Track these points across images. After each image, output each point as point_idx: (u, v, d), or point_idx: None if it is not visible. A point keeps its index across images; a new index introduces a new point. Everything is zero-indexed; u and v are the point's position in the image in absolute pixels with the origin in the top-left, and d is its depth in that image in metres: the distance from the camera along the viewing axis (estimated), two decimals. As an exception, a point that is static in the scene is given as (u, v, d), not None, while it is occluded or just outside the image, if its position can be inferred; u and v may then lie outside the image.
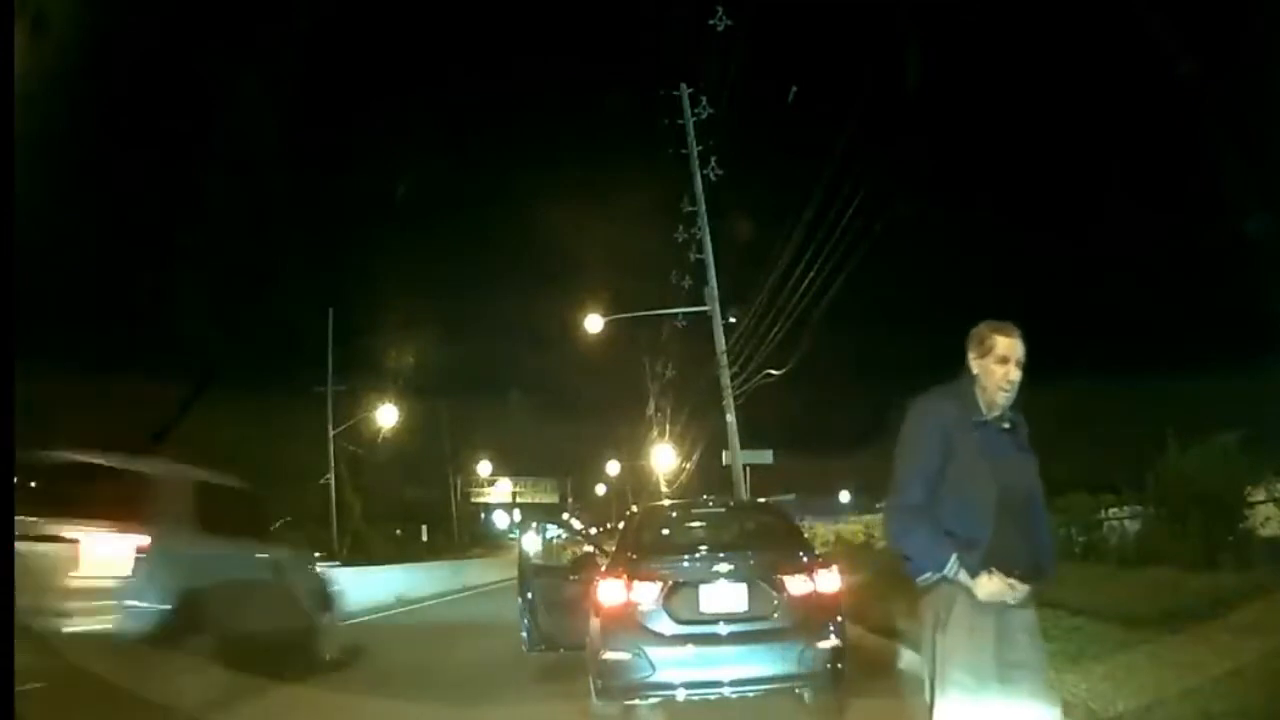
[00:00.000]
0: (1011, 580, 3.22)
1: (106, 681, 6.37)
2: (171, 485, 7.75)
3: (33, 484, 6.71)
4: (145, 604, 6.78)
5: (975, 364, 3.44)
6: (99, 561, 6.66)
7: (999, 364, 3.38)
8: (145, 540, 6.83)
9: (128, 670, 6.51)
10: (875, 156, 12.50)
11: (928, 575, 3.29)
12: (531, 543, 8.88)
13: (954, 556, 3.23)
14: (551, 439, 55.21)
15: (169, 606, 6.88)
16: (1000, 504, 3.25)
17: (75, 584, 6.57)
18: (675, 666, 6.16)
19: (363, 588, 18.34)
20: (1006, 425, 3.43)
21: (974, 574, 3.21)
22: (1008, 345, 3.39)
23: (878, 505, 33.40)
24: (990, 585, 3.20)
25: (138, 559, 6.75)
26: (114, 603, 6.64)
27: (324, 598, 10.19)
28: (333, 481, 28.45)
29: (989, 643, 3.19)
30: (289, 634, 8.90)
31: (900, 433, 3.44)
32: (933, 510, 3.29)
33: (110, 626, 6.59)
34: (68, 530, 6.63)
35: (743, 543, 7.26)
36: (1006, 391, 3.38)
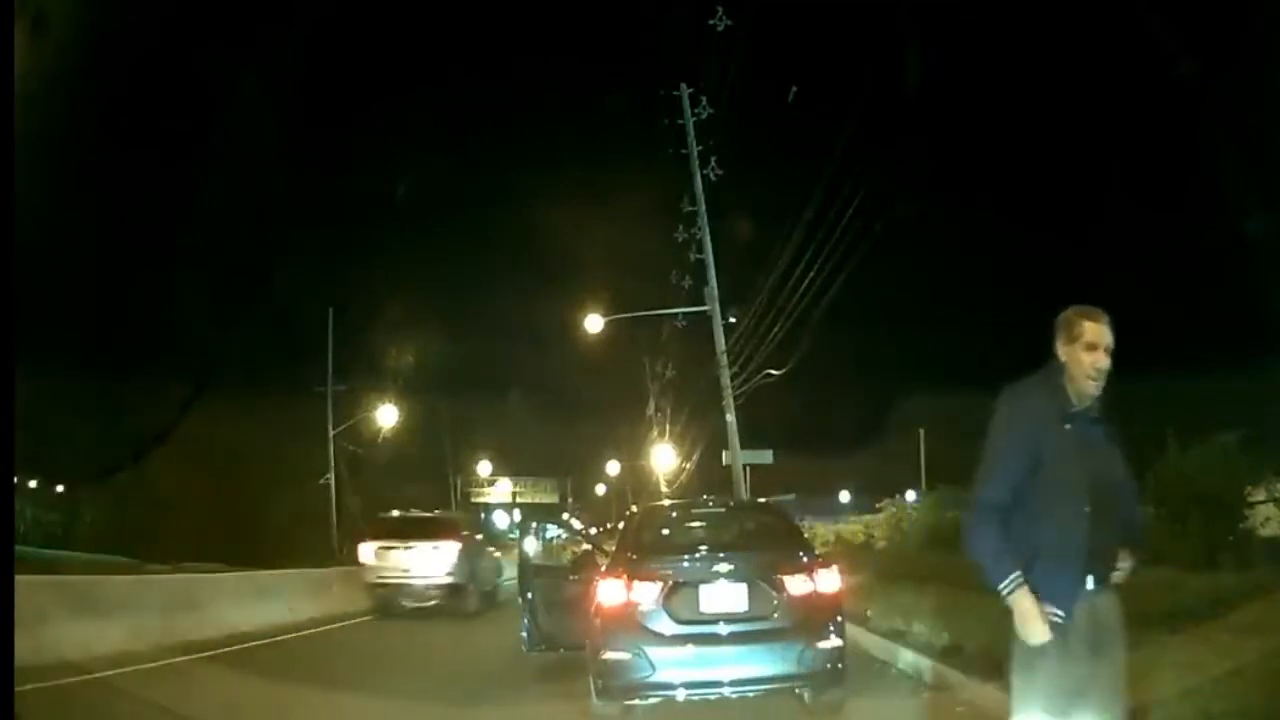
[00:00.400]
0: (1053, 611, 3.12)
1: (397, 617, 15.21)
2: (461, 521, 18.42)
3: (416, 524, 16.97)
4: (460, 571, 15.66)
5: (1063, 352, 3.30)
6: (446, 555, 15.63)
7: (1087, 351, 3.25)
8: (459, 545, 15.92)
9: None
10: (875, 156, 12.50)
11: (1002, 589, 3.20)
12: (531, 545, 8.92)
13: (1013, 576, 3.15)
14: (551, 439, 55.19)
15: (466, 572, 15.82)
16: (1093, 498, 3.15)
17: (439, 564, 15.58)
18: (675, 666, 6.16)
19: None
20: (1096, 414, 3.31)
21: (1062, 579, 3.12)
22: (1096, 331, 3.26)
23: (877, 505, 33.37)
24: (1023, 619, 3.14)
25: (458, 553, 15.75)
26: (452, 570, 15.58)
27: (498, 570, 19.19)
28: (333, 481, 28.43)
29: (1067, 663, 3.10)
30: (489, 586, 17.68)
31: (989, 426, 3.33)
32: (1011, 513, 3.21)
33: (451, 580, 15.50)
34: (434, 543, 15.76)
35: (743, 543, 7.26)
36: (1095, 380, 3.26)
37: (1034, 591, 3.18)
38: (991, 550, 3.22)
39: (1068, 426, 3.23)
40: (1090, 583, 3.18)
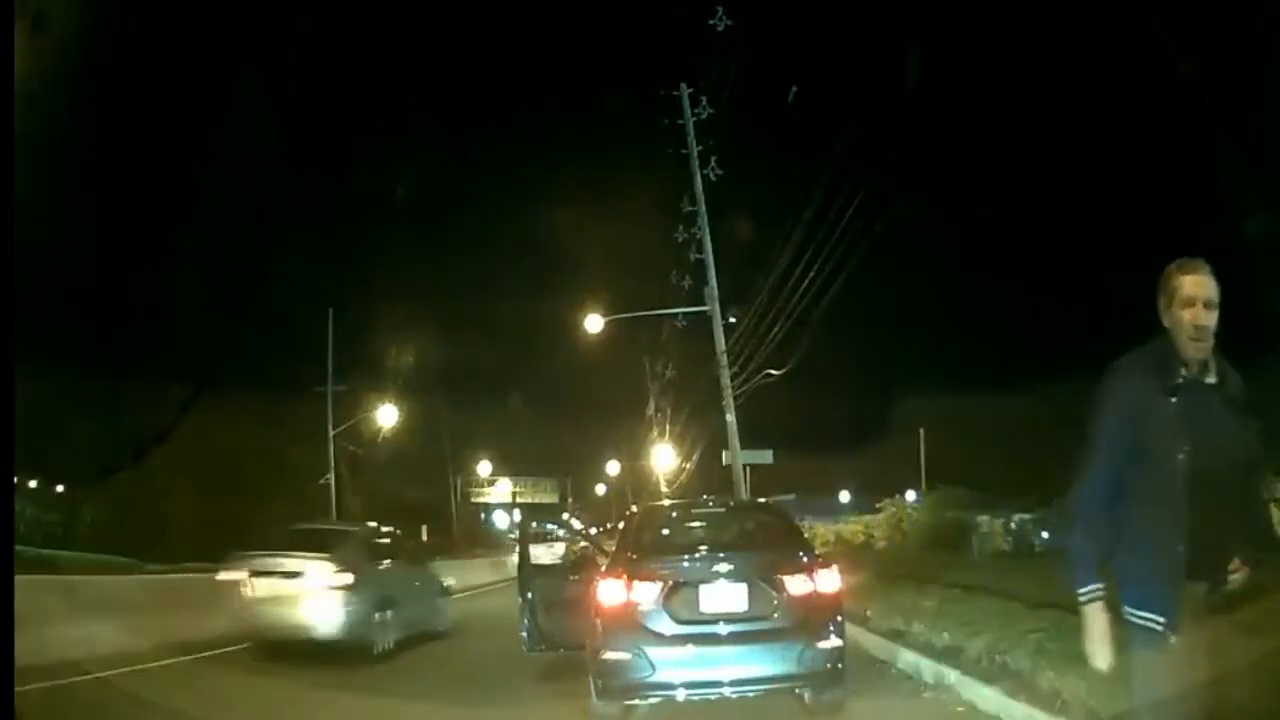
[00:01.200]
0: (1151, 617, 2.77)
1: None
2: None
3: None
4: None
5: (1164, 316, 2.94)
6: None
7: (1184, 308, 2.87)
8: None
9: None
10: (875, 156, 12.49)
11: (1079, 597, 2.93)
12: (549, 554, 8.94)
13: (1092, 586, 2.87)
14: (551, 439, 55.25)
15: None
16: (1196, 476, 2.76)
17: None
18: (675, 666, 6.16)
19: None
20: (1213, 380, 2.91)
21: (1159, 580, 2.76)
22: (1193, 284, 2.88)
23: (877, 505, 33.38)
24: (1087, 635, 2.86)
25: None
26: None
27: None
28: (333, 481, 28.42)
29: (1171, 677, 2.80)
30: None
31: (1094, 407, 3.00)
32: (1114, 507, 2.89)
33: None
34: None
35: (743, 543, 7.26)
36: (1197, 340, 2.86)
37: (1134, 594, 2.85)
38: (1077, 552, 2.93)
39: (1173, 400, 2.84)
40: (1202, 585, 2.79)
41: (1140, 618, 2.84)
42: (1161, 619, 2.76)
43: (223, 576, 10.45)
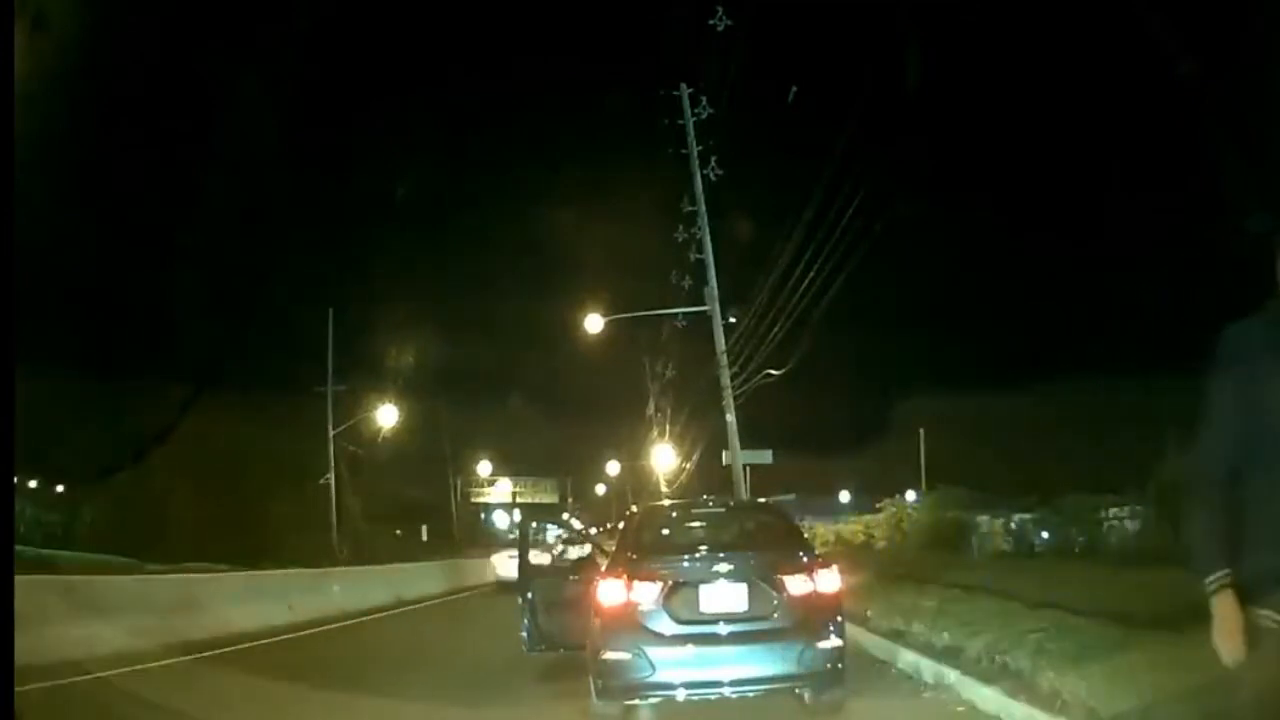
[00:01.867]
0: (1267, 614, 2.44)
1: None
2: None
3: None
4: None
5: None
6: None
7: None
8: None
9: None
10: (875, 156, 12.49)
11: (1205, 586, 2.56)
12: (575, 552, 8.98)
13: (1217, 573, 2.53)
14: (551, 439, 55.20)
15: None
16: None
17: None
18: (675, 666, 6.16)
19: (363, 588, 18.40)
20: None
21: (1273, 568, 2.44)
22: None
23: (877, 505, 33.37)
24: (1216, 628, 2.51)
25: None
26: None
27: None
28: (333, 481, 28.42)
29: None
30: None
31: (1208, 370, 2.75)
32: (1231, 490, 2.59)
33: None
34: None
35: (743, 543, 7.25)
36: None
37: (1245, 585, 2.51)
38: (1197, 535, 2.65)
39: None
40: None
41: (1259, 615, 2.52)
42: (1277, 615, 2.46)
43: (492, 559, 23.47)
